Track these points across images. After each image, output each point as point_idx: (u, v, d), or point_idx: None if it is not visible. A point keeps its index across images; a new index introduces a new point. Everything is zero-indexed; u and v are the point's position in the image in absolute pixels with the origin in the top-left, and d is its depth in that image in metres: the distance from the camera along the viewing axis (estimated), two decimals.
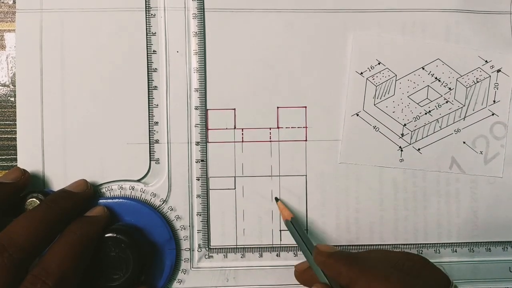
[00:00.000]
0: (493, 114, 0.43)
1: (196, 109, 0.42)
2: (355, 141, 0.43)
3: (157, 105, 0.42)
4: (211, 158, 0.43)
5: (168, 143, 0.42)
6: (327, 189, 0.43)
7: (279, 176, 0.43)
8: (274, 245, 0.43)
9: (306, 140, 0.43)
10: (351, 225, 0.43)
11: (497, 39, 0.43)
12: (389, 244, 0.43)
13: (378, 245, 0.43)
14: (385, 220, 0.43)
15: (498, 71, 0.43)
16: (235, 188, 0.43)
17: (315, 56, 0.43)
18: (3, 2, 0.43)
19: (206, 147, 0.43)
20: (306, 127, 0.43)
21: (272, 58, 0.43)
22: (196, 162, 0.42)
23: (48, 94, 0.42)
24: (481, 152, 0.43)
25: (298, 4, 0.43)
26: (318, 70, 0.43)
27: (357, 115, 0.43)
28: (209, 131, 0.43)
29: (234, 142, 0.43)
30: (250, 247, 0.43)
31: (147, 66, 0.42)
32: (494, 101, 0.43)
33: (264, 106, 0.43)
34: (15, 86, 0.43)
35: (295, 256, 0.43)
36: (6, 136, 0.43)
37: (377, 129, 0.43)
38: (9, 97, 0.43)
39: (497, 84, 0.43)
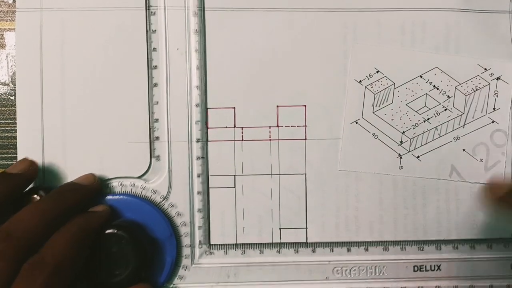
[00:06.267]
0: (493, 122, 0.43)
1: (196, 106, 0.42)
2: (355, 149, 0.43)
3: (157, 102, 0.42)
4: (211, 156, 0.43)
5: (168, 140, 0.42)
6: (327, 188, 0.43)
7: (279, 174, 0.43)
8: (274, 243, 0.43)
9: (305, 139, 0.43)
10: (351, 224, 0.43)
11: (497, 39, 0.43)
12: (389, 241, 0.43)
13: (378, 241, 0.43)
14: (385, 218, 0.43)
15: (498, 78, 0.43)
16: (234, 187, 0.43)
17: (315, 55, 0.43)
18: (3, 1, 0.43)
19: (207, 145, 0.43)
20: (305, 126, 0.43)
21: (272, 57, 0.43)
22: (197, 159, 0.43)
23: (48, 92, 0.42)
24: (481, 160, 0.43)
25: (297, 3, 0.43)
26: (318, 68, 0.43)
27: (356, 122, 0.43)
28: (209, 129, 0.43)
29: (234, 140, 0.43)
30: (251, 244, 0.43)
31: (147, 63, 0.42)
32: (494, 108, 0.43)
33: (264, 105, 0.43)
34: (15, 85, 0.42)
35: (296, 253, 0.43)
36: (6, 134, 0.43)
37: (376, 136, 0.43)
38: (9, 96, 0.43)
39: (497, 92, 0.43)
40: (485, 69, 0.43)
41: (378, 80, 0.43)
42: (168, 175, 0.43)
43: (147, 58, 0.42)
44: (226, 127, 0.43)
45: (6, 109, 0.43)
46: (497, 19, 0.43)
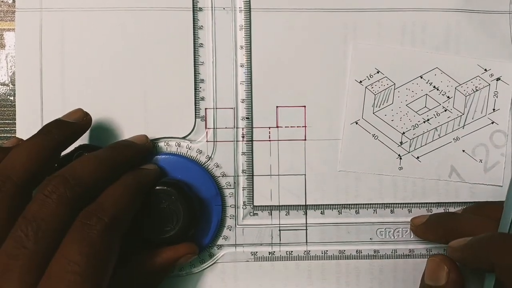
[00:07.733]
0: (492, 123, 0.43)
1: (241, 66, 0.43)
2: (355, 150, 0.43)
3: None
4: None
5: (214, 100, 0.43)
6: (326, 188, 0.43)
7: (278, 175, 0.43)
8: (318, 204, 0.43)
9: (305, 140, 0.43)
10: (351, 225, 0.43)
11: (497, 40, 0.43)
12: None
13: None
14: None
15: (498, 79, 0.43)
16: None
17: (315, 55, 0.43)
18: (2, 1, 0.43)
19: (252, 105, 0.43)
20: (305, 127, 0.43)
21: (271, 57, 0.43)
22: (242, 120, 0.43)
23: (48, 93, 0.42)
24: (480, 161, 0.43)
25: (297, 3, 0.43)
26: (318, 69, 0.43)
27: (357, 123, 0.43)
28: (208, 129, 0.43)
29: (235, 141, 0.43)
30: (295, 205, 0.43)
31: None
32: (493, 109, 0.43)
33: (263, 105, 0.43)
34: (14, 85, 0.42)
35: (339, 214, 0.43)
36: (5, 135, 0.43)
37: (376, 137, 0.43)
38: (8, 96, 0.43)
39: (496, 93, 0.43)
40: (485, 69, 0.43)
41: (378, 81, 0.43)
42: (213, 135, 0.43)
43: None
44: (226, 128, 0.43)
45: (5, 109, 0.43)
46: (497, 19, 0.43)
